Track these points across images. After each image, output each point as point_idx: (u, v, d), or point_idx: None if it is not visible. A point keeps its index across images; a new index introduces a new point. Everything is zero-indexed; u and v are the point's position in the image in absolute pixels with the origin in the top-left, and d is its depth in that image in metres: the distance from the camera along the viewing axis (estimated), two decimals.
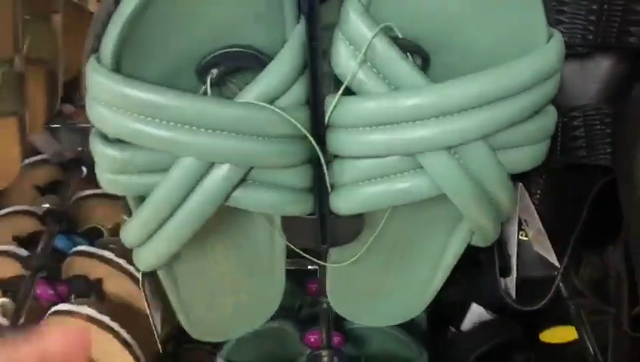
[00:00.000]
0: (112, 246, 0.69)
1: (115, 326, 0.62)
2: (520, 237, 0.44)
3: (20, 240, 0.68)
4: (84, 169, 0.77)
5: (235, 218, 0.39)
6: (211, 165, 0.31)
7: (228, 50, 0.31)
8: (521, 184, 0.40)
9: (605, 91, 0.38)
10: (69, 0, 0.49)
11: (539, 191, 0.42)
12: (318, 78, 0.31)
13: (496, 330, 0.71)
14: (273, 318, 0.46)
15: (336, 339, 0.64)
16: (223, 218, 0.39)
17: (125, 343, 0.63)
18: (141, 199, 0.35)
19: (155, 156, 0.31)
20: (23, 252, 0.64)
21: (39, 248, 0.65)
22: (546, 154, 0.34)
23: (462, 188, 0.32)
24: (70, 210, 0.73)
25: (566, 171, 0.41)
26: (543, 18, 0.30)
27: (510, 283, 0.44)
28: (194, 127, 0.30)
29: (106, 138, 0.32)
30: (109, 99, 0.30)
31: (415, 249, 0.41)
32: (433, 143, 0.30)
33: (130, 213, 0.36)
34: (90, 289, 0.66)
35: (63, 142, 0.80)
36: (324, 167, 0.32)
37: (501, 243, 0.43)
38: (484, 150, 0.31)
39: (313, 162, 0.34)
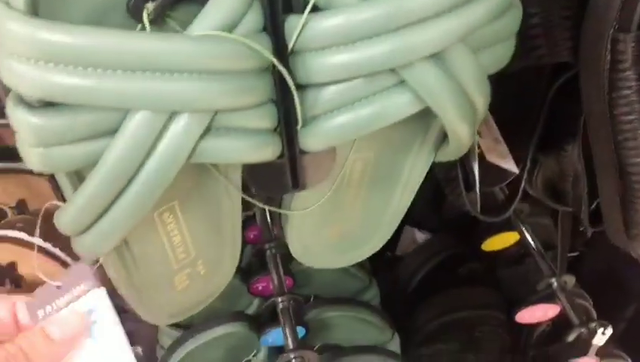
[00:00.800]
0: (19, 225, 0.62)
1: None
2: None
3: None
4: None
5: (187, 178, 0.35)
6: (170, 117, 0.26)
7: None
8: None
9: None
10: None
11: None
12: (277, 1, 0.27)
13: (434, 249, 0.71)
14: None
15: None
16: (173, 182, 0.34)
17: None
18: (78, 175, 0.29)
19: (97, 117, 0.26)
20: None
21: None
22: (512, 52, 0.32)
23: (448, 97, 0.29)
24: None
25: (520, 74, 0.40)
26: None
27: (473, 197, 0.43)
28: (145, 72, 0.25)
29: (29, 104, 0.26)
30: (31, 51, 0.24)
31: (382, 178, 0.39)
32: (415, 53, 0.27)
33: (62, 196, 0.31)
34: (3, 276, 0.60)
35: None
36: (296, 97, 0.28)
37: (462, 159, 0.42)
38: (466, 53, 0.29)
39: (278, 100, 0.29)
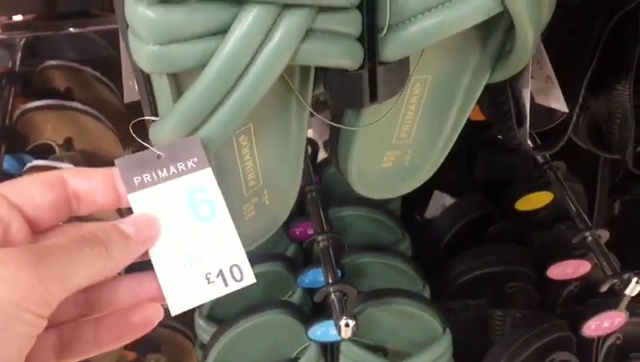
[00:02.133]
0: (67, 160, 0.64)
1: None
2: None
3: None
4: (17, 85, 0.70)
5: (263, 100, 0.36)
6: (280, 12, 0.27)
7: None
8: None
9: None
10: None
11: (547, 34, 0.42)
12: None
13: (465, 208, 0.73)
14: None
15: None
16: None
17: None
18: (174, 81, 0.30)
19: (211, 14, 0.27)
20: None
21: None
22: None
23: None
24: (14, 127, 0.66)
25: (578, 10, 0.41)
26: None
27: (524, 132, 0.44)
28: None
29: (148, 1, 0.26)
30: None
31: (439, 100, 0.40)
32: None
33: (154, 112, 0.31)
34: None
35: None
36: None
37: (514, 92, 0.43)
38: None
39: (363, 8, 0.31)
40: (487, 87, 0.40)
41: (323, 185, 0.67)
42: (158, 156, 0.29)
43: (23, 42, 0.75)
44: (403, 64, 0.34)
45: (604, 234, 0.57)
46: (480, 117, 0.51)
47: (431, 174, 0.45)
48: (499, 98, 0.44)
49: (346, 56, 0.31)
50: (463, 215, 0.71)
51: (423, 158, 0.43)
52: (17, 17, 0.77)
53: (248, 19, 0.27)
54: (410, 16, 0.31)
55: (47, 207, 0.28)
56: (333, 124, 0.41)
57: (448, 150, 0.43)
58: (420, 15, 0.31)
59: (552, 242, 0.68)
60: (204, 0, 0.27)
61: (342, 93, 0.33)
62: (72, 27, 0.75)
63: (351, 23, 0.30)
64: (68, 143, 0.67)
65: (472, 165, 0.78)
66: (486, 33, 0.37)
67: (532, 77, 0.44)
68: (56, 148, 0.67)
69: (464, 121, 0.42)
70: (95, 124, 0.69)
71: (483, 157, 0.77)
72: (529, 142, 0.45)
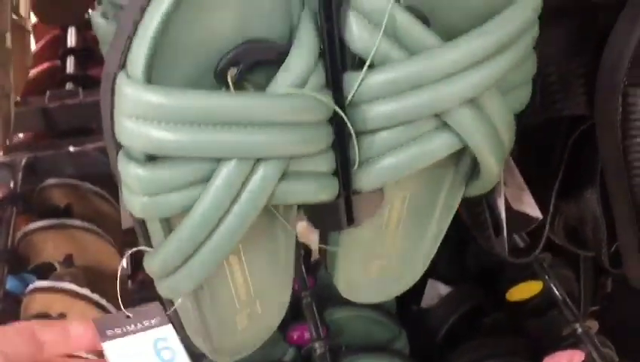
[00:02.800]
0: (67, 278, 0.66)
1: None
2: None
3: None
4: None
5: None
6: (255, 163, 0.30)
7: (247, 43, 0.30)
8: None
9: (575, 46, 0.41)
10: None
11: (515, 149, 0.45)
12: (337, 59, 0.32)
13: (459, 300, 0.74)
14: None
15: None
16: None
17: None
18: (166, 222, 0.33)
19: (193, 168, 0.30)
20: None
21: None
22: (530, 93, 0.38)
23: (484, 137, 0.34)
24: (16, 249, 0.68)
25: (542, 126, 0.44)
26: None
27: (502, 240, 0.46)
28: (236, 125, 0.29)
29: (137, 159, 0.30)
30: (147, 112, 0.29)
31: (418, 214, 0.43)
32: (458, 98, 0.32)
33: (148, 242, 0.35)
34: None
35: None
36: (355, 141, 0.33)
37: (490, 202, 0.46)
38: (498, 96, 0.34)
39: (336, 147, 0.34)
40: (464, 198, 0.43)
41: (318, 286, 0.68)
42: (128, 316, 0.34)
43: (23, 162, 0.78)
44: (377, 191, 0.36)
45: (594, 325, 0.59)
46: None
47: (416, 279, 0.47)
48: (475, 209, 0.46)
49: (321, 193, 0.34)
50: (457, 307, 0.72)
51: (407, 266, 0.45)
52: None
53: (227, 171, 0.30)
54: (379, 153, 0.34)
55: None
56: (322, 246, 0.43)
57: (432, 255, 0.45)
58: (389, 151, 0.34)
59: (545, 330, 0.69)
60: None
61: (320, 219, 0.37)
62: (71, 145, 0.78)
63: (325, 162, 0.33)
64: (68, 260, 0.69)
65: (464, 253, 0.80)
66: (457, 158, 0.40)
67: (506, 185, 0.47)
68: (57, 266, 0.69)
69: (444, 230, 0.44)
70: (94, 239, 0.71)
71: (473, 246, 0.79)
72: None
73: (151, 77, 0.29)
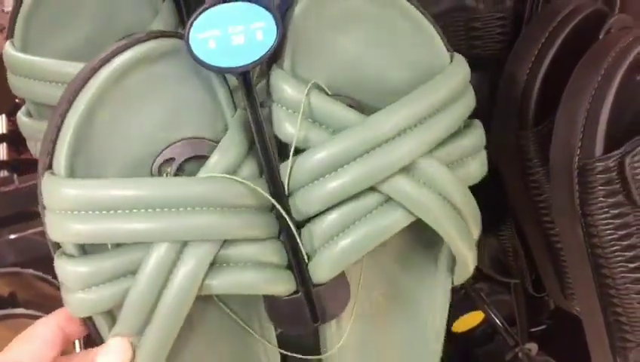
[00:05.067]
0: None
1: None
2: None
3: None
4: None
5: (231, 344, 0.38)
6: (181, 249, 0.31)
7: (184, 140, 0.32)
8: None
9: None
10: None
11: None
12: (270, 149, 0.32)
13: None
14: None
15: None
16: (216, 339, 0.37)
17: None
18: (110, 316, 0.33)
19: (122, 258, 0.31)
20: None
21: None
22: (486, 162, 0.38)
23: (431, 205, 0.34)
24: None
25: None
26: (444, 46, 0.35)
27: None
28: (165, 209, 0.30)
29: (69, 254, 0.32)
30: (73, 205, 0.30)
31: (405, 309, 0.41)
32: (389, 169, 0.32)
33: (99, 337, 0.34)
34: None
35: None
36: (295, 233, 0.33)
37: None
38: (436, 164, 0.34)
39: (284, 238, 0.33)
40: None
41: None
42: None
43: None
44: (340, 282, 0.35)
45: (534, 347, 0.62)
46: None
47: None
48: None
49: (268, 285, 0.33)
50: None
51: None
52: None
53: (154, 257, 0.31)
54: (328, 239, 0.33)
55: None
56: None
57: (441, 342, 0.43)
58: (337, 237, 0.33)
59: (494, 356, 0.72)
60: (119, 246, 0.31)
61: (284, 319, 0.35)
62: (11, 233, 0.78)
63: (271, 252, 0.33)
64: None
65: None
66: (434, 246, 0.39)
67: None
68: None
69: (444, 319, 0.42)
70: None
71: None
72: None
73: (74, 174, 0.30)
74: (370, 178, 0.32)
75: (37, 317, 0.71)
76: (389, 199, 0.33)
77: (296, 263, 0.33)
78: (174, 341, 0.32)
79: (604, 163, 0.35)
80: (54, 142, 0.31)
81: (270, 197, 0.32)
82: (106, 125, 0.31)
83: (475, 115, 0.37)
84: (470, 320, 0.72)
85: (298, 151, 0.33)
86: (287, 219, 0.33)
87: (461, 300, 0.72)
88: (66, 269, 0.31)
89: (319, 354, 0.39)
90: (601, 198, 0.36)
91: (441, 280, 0.40)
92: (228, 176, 0.31)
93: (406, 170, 0.33)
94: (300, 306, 0.34)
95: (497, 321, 0.64)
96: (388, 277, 0.40)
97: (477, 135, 0.36)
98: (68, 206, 0.30)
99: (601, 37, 0.40)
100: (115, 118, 0.31)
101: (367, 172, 0.32)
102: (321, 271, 0.33)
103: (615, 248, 0.36)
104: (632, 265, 0.36)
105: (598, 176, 0.35)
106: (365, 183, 0.32)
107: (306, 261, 0.34)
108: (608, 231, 0.36)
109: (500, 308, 0.68)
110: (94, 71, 0.30)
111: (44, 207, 0.32)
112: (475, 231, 0.37)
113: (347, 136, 0.32)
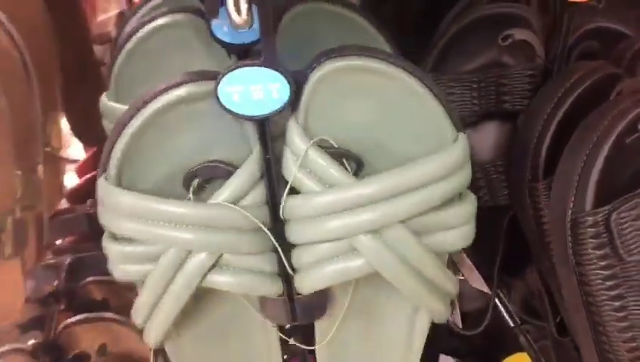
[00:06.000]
0: None
1: None
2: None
3: None
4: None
5: (232, 312, 0.46)
6: (189, 253, 0.39)
7: (205, 164, 0.40)
8: None
9: (498, 148, 0.49)
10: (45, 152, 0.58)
11: None
12: (274, 184, 0.40)
13: None
14: None
15: None
16: (222, 312, 0.46)
17: None
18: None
19: (149, 249, 0.40)
20: None
21: None
22: (472, 235, 0.41)
23: (390, 266, 0.39)
24: (57, 340, 0.78)
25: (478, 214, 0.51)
26: (449, 123, 0.39)
27: (456, 315, 0.53)
28: (177, 224, 0.39)
29: (115, 238, 0.40)
30: (115, 206, 0.39)
31: (385, 325, 0.47)
32: (358, 228, 0.38)
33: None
34: None
35: (39, 280, 0.85)
36: (282, 255, 0.40)
37: None
38: (404, 232, 0.39)
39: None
40: None
41: None
42: None
43: (67, 262, 0.89)
44: (320, 296, 0.42)
45: None
46: None
47: None
48: None
49: (258, 287, 0.41)
50: None
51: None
52: None
53: (168, 255, 0.39)
54: (310, 263, 0.40)
55: None
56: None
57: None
58: (319, 263, 0.40)
59: None
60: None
61: (269, 313, 0.44)
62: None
63: (264, 263, 0.41)
64: (102, 349, 0.78)
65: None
66: None
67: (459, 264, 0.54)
68: (92, 355, 0.78)
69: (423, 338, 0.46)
70: (126, 330, 0.80)
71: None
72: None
73: (122, 181, 0.39)
74: (341, 232, 0.39)
75: (125, 323, 0.81)
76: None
77: (284, 276, 0.41)
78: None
79: (593, 217, 0.38)
80: (109, 154, 0.39)
81: (260, 224, 0.39)
82: (149, 147, 0.39)
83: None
84: (518, 360, 0.73)
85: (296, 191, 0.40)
86: (275, 244, 0.40)
87: (509, 341, 0.74)
88: (110, 247, 0.40)
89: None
90: (591, 250, 0.38)
91: (421, 318, 0.45)
92: (230, 205, 0.39)
93: (374, 231, 0.38)
94: (283, 306, 0.42)
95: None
96: (372, 300, 0.46)
97: (464, 210, 0.40)
98: (115, 208, 0.39)
99: (611, 99, 0.43)
100: (156, 142, 0.39)
101: (340, 226, 0.38)
102: (302, 285, 0.41)
103: (604, 297, 0.39)
104: (619, 314, 0.39)
105: (588, 229, 0.38)
106: (339, 235, 0.39)
107: (292, 274, 0.41)
108: (598, 281, 0.39)
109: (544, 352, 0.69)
110: (145, 104, 0.38)
111: (98, 201, 0.41)
112: (450, 291, 0.42)
113: (334, 192, 0.38)
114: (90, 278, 0.86)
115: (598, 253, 0.38)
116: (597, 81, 0.44)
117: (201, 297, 0.45)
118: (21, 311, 0.57)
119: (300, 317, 0.43)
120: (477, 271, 0.52)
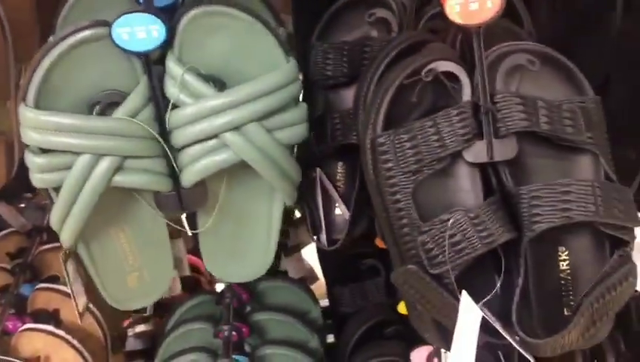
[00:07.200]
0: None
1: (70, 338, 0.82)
2: None
3: None
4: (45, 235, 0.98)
5: (127, 207, 0.61)
6: (98, 159, 0.53)
7: (105, 91, 0.55)
8: None
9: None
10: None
11: None
12: (159, 102, 0.55)
13: (367, 316, 0.91)
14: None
15: (244, 330, 0.82)
16: (119, 208, 0.61)
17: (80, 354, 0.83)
18: (55, 191, 0.56)
19: (64, 159, 0.53)
20: None
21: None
22: (306, 133, 0.58)
23: (251, 154, 0.55)
24: (32, 263, 0.93)
25: None
26: (281, 51, 0.55)
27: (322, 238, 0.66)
28: (87, 135, 0.53)
29: (34, 151, 0.54)
30: (34, 124, 0.53)
31: (250, 214, 0.63)
32: (224, 126, 0.54)
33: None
34: (49, 319, 0.86)
35: (28, 217, 1.01)
36: (170, 156, 0.55)
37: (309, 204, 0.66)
38: (259, 128, 0.55)
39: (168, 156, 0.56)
40: None
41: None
42: None
43: None
44: (200, 189, 0.58)
45: None
46: None
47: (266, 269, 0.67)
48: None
49: (153, 185, 0.56)
50: (364, 322, 0.89)
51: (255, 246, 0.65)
52: None
53: (79, 162, 0.53)
54: (189, 161, 0.56)
55: None
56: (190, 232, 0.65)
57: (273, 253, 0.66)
58: (194, 161, 0.55)
59: None
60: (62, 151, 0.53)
61: (162, 205, 0.58)
62: None
63: (156, 165, 0.56)
64: None
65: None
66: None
67: None
68: (61, 278, 0.92)
69: (277, 234, 0.64)
70: None
71: None
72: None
73: (39, 105, 0.53)
74: (212, 131, 0.54)
75: None
76: (225, 145, 0.54)
77: (173, 175, 0.56)
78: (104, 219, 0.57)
79: (383, 138, 0.51)
80: (27, 86, 0.53)
81: (149, 129, 0.54)
82: (61, 77, 0.53)
83: None
84: None
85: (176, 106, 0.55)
86: (163, 144, 0.55)
87: None
88: (30, 159, 0.54)
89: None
90: (381, 165, 0.52)
91: (276, 205, 0.63)
92: (127, 118, 0.53)
93: (237, 129, 0.54)
94: (174, 198, 0.57)
95: None
96: (239, 196, 0.61)
97: (299, 113, 0.57)
98: (34, 125, 0.53)
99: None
100: (65, 75, 0.53)
101: (212, 127, 0.54)
102: (185, 179, 0.56)
103: (391, 204, 0.52)
104: (399, 214, 0.52)
105: (378, 148, 0.52)
106: (208, 134, 0.54)
107: (178, 172, 0.56)
108: (386, 189, 0.52)
109: None
110: (56, 43, 0.52)
111: (19, 123, 0.54)
112: (294, 177, 0.59)
113: (204, 102, 0.54)
114: None
115: (385, 166, 0.51)
116: (413, 44, 0.57)
117: (102, 201, 0.57)
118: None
119: (185, 206, 0.57)
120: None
